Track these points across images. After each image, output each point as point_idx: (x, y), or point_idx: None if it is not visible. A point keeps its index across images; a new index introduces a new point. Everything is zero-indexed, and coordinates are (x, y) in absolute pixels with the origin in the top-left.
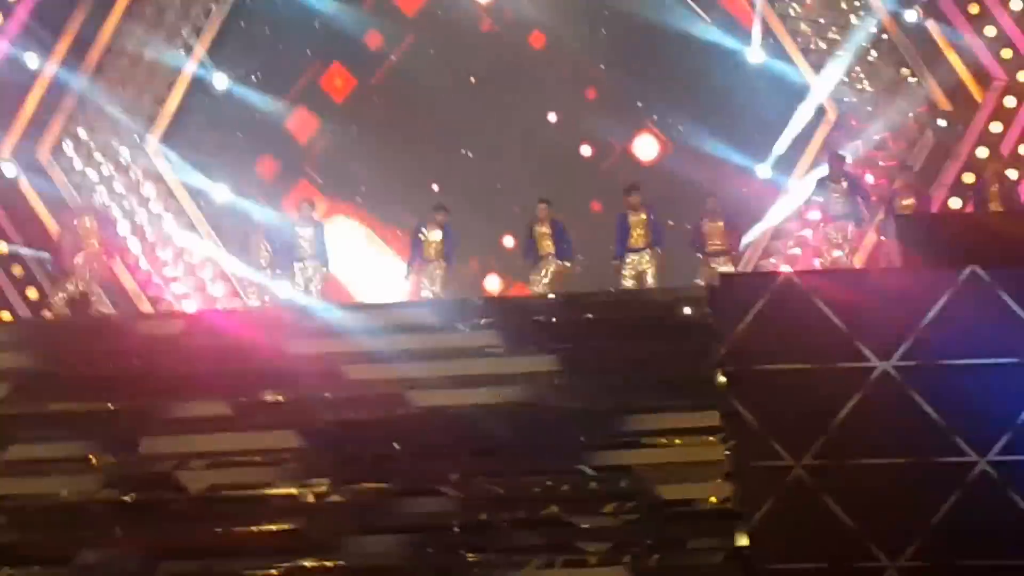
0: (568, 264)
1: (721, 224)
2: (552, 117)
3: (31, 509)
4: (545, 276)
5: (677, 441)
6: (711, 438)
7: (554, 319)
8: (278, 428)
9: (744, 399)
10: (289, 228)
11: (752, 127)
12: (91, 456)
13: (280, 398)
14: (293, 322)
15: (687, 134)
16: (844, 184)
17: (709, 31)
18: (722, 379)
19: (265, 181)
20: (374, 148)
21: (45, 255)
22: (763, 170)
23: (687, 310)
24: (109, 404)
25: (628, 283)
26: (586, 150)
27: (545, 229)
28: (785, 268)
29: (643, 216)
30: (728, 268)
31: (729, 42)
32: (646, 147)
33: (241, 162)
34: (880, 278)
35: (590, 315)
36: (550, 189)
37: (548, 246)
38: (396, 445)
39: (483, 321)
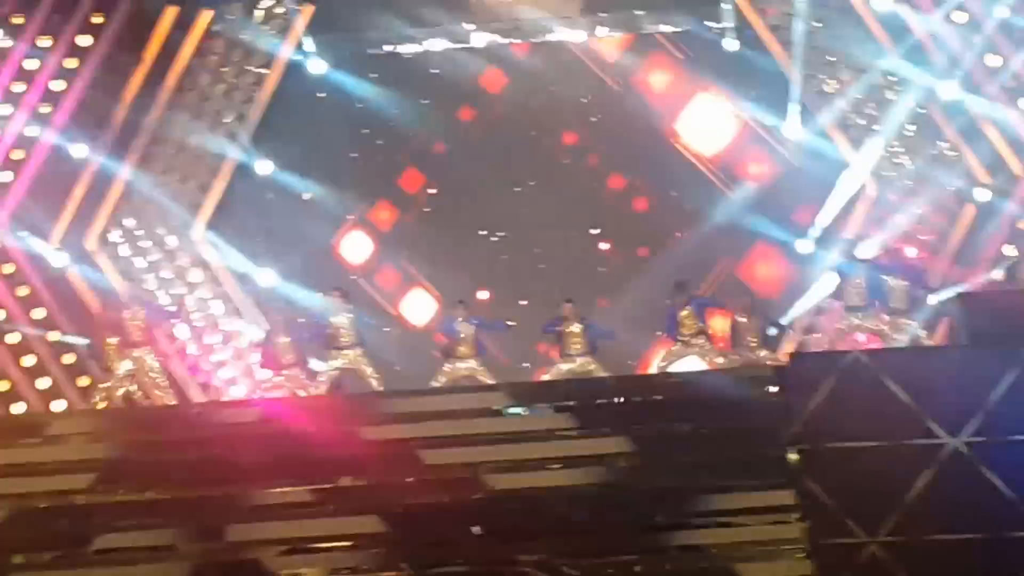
0: None
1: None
2: None
3: None
4: None
5: (751, 521)
6: (787, 516)
7: (624, 400)
8: (356, 514)
9: (817, 477)
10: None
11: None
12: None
13: (358, 483)
14: (361, 410)
15: None
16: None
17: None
18: (794, 457)
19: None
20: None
21: (85, 342)
22: (804, 245)
23: (756, 390)
24: (193, 492)
25: None
26: None
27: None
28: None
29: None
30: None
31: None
32: None
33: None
34: (947, 356)
35: (660, 396)
36: None
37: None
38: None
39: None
